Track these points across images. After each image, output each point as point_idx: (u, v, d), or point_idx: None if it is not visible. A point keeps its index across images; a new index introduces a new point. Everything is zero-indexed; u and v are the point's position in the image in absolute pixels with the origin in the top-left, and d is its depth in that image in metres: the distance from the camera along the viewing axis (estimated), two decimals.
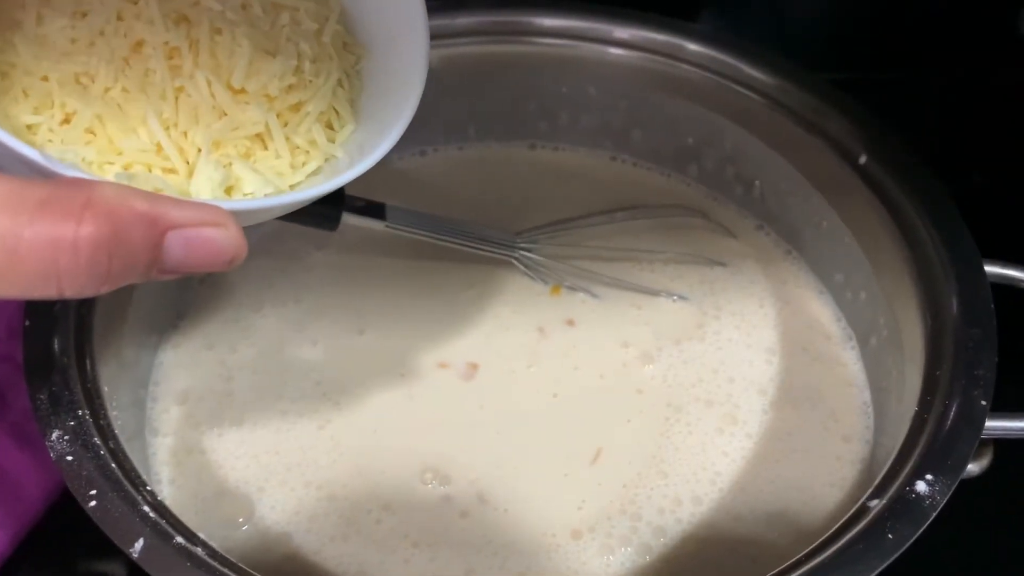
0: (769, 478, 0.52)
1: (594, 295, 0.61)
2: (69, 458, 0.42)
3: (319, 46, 0.46)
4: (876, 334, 0.56)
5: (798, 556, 0.40)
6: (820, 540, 0.41)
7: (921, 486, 0.41)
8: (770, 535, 0.49)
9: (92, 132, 0.37)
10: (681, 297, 0.61)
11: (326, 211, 0.56)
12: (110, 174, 0.35)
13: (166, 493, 0.51)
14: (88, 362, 0.47)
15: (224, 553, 0.40)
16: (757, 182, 0.65)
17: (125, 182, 0.31)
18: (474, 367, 0.57)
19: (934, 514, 0.41)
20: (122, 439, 0.45)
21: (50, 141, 0.35)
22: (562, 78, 0.68)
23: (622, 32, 0.65)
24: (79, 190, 0.28)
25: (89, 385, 0.46)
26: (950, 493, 0.41)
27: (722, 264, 0.63)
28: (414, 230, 0.58)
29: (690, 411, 0.55)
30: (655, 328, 0.59)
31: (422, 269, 0.62)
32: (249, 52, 0.41)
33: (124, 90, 0.38)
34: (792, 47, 0.63)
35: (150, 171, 0.36)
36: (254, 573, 0.40)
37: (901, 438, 0.45)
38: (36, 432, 0.54)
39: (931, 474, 0.42)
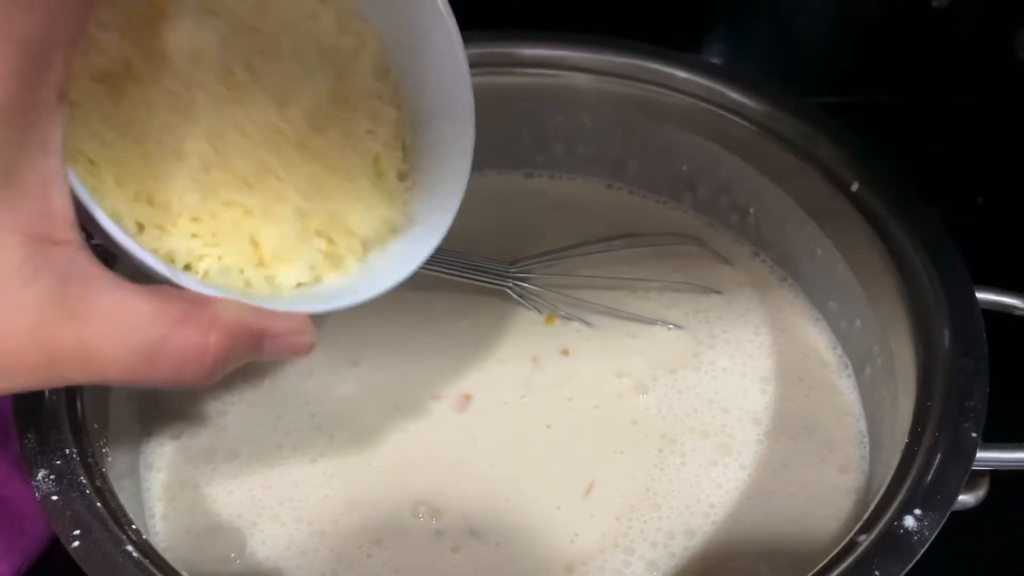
0: (764, 510, 0.51)
1: (589, 324, 0.60)
2: (54, 498, 0.42)
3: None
4: (871, 362, 0.56)
5: None
6: (809, 575, 0.40)
7: (909, 521, 0.41)
8: (763, 569, 0.49)
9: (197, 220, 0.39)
10: (676, 326, 0.60)
11: None
12: (205, 264, 0.39)
13: (159, 528, 0.51)
14: (78, 400, 0.47)
15: None
16: (752, 209, 0.65)
17: (222, 280, 0.38)
18: (468, 398, 0.57)
19: (922, 550, 0.40)
20: (113, 476, 0.45)
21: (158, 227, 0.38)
22: (556, 108, 0.68)
23: (615, 61, 0.65)
24: (205, 308, 0.35)
25: (77, 424, 0.46)
26: (939, 528, 0.41)
27: (718, 292, 0.63)
28: None
29: (684, 442, 0.55)
30: (650, 357, 0.59)
31: (416, 299, 0.62)
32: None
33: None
34: (793, 71, 0.63)
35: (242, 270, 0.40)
36: None
37: (891, 470, 0.44)
38: None
39: (920, 508, 0.41)
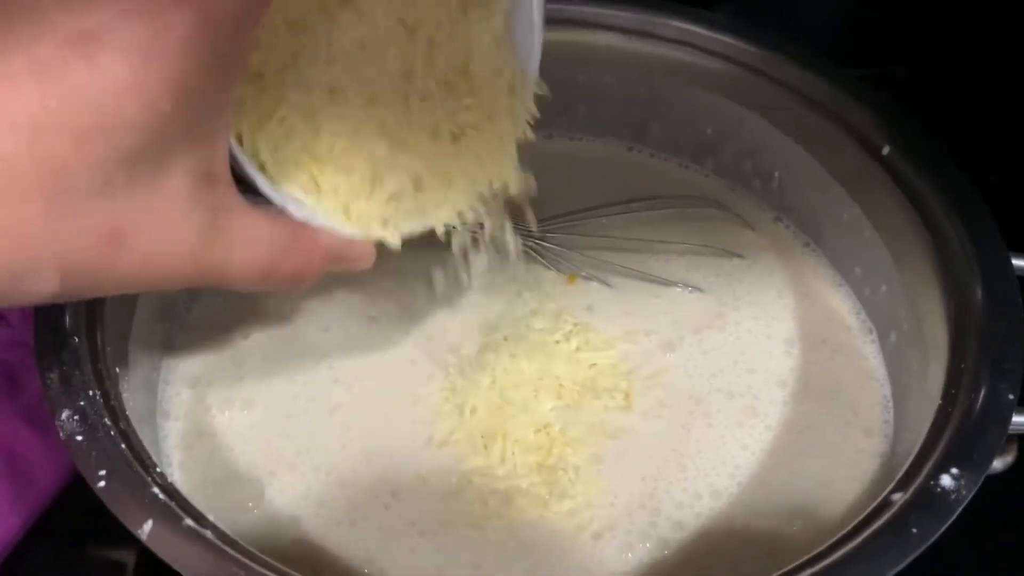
0: (789, 471, 0.51)
1: (609, 285, 0.60)
2: (79, 438, 0.41)
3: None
4: (897, 328, 0.55)
5: (819, 549, 0.39)
6: (841, 534, 0.40)
7: (946, 480, 0.41)
8: (789, 529, 0.49)
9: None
10: (696, 288, 0.60)
11: None
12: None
13: (176, 476, 0.51)
14: (99, 342, 0.46)
15: (228, 532, 0.40)
16: (776, 173, 0.64)
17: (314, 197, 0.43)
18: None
19: (960, 508, 0.40)
20: (133, 421, 0.45)
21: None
22: (579, 67, 0.67)
23: (640, 20, 0.64)
24: (306, 237, 0.42)
25: (100, 365, 0.45)
26: (976, 488, 0.40)
27: (739, 256, 0.62)
28: None
29: (711, 403, 0.54)
30: (675, 318, 0.58)
31: (436, 258, 0.61)
32: None
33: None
34: (805, 42, 0.62)
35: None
36: (262, 556, 0.39)
37: (924, 432, 0.44)
38: (49, 416, 0.55)
39: (956, 468, 0.41)
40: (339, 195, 0.43)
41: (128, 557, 0.54)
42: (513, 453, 0.51)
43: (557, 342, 0.56)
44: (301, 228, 0.42)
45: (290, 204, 0.41)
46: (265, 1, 0.34)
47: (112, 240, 0.33)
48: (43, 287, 0.33)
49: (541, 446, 0.51)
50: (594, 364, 0.55)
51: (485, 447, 0.51)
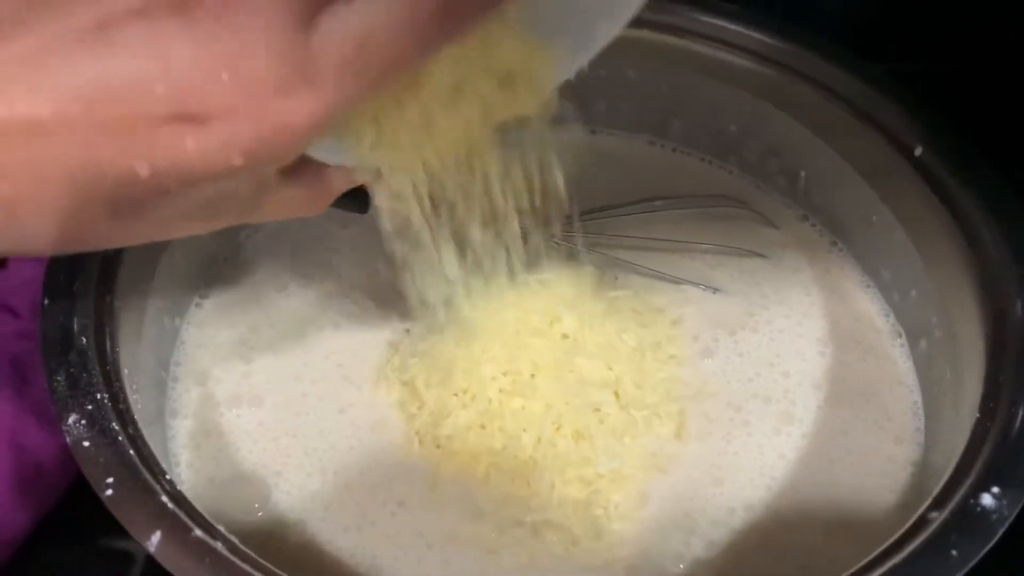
0: (823, 481, 0.50)
1: (631, 286, 0.58)
2: (86, 444, 0.40)
3: None
4: (928, 334, 0.54)
5: (853, 569, 0.38)
6: (877, 552, 0.38)
7: (987, 499, 0.39)
8: (820, 542, 0.47)
9: None
10: (718, 289, 0.58)
11: (356, 193, 0.54)
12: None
13: (184, 477, 0.50)
14: (108, 342, 0.45)
15: (242, 545, 0.39)
16: (802, 172, 0.62)
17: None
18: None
19: (1002, 529, 0.38)
20: (141, 423, 0.43)
21: None
22: (600, 61, 0.65)
23: (665, 14, 0.62)
24: (324, 182, 0.41)
25: (108, 367, 0.44)
26: (1019, 508, 0.39)
27: (762, 256, 0.60)
28: None
29: (750, 410, 0.53)
30: (708, 319, 0.57)
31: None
32: None
33: None
34: (823, 35, 0.61)
35: None
36: (274, 569, 0.38)
37: (961, 446, 0.42)
38: None
39: (998, 487, 0.39)
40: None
41: (138, 549, 0.53)
42: (553, 486, 0.49)
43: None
44: (316, 171, 0.40)
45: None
46: None
47: None
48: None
49: (585, 480, 0.49)
50: (640, 386, 0.53)
51: (527, 480, 0.49)
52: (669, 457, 0.51)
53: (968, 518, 0.39)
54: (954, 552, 0.37)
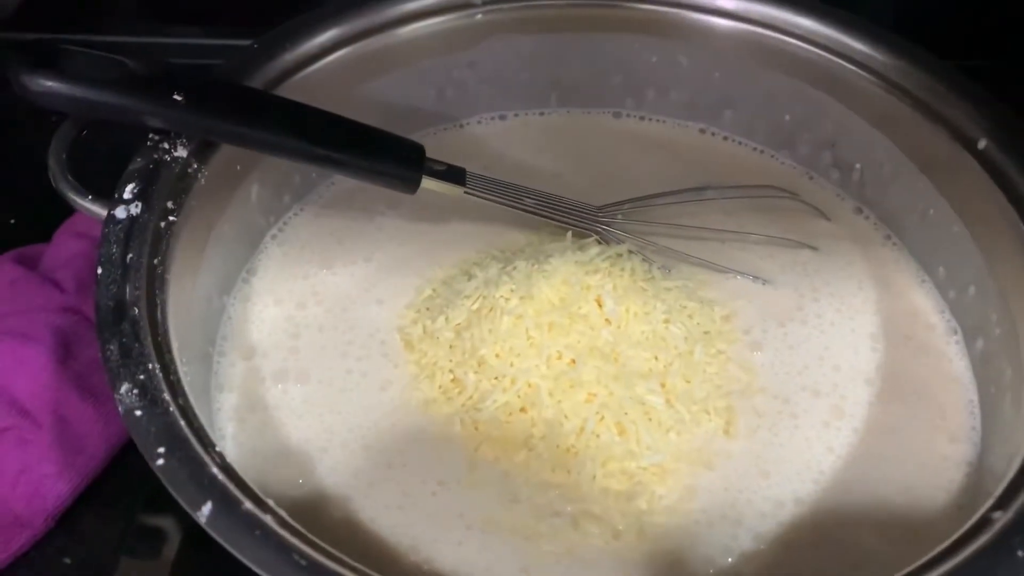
0: (874, 477, 0.49)
1: (682, 275, 0.57)
2: (137, 413, 0.40)
3: None
4: (986, 331, 0.52)
5: (913, 567, 0.37)
6: (938, 551, 0.37)
7: None
8: (874, 541, 0.46)
9: None
10: (767, 281, 0.57)
11: (406, 173, 0.54)
12: None
13: (229, 450, 0.50)
14: (160, 314, 0.45)
15: (289, 518, 0.38)
16: (858, 164, 0.61)
17: None
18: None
19: None
20: (191, 396, 0.43)
21: None
22: (652, 46, 0.64)
23: (725, 1, 0.61)
24: None
25: (160, 338, 0.44)
26: None
27: (813, 248, 0.59)
28: (493, 197, 0.56)
29: (798, 402, 0.52)
30: (758, 309, 0.56)
31: (495, 234, 0.60)
32: None
33: None
34: (891, 28, 0.59)
35: None
36: (322, 544, 0.38)
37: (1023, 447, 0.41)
38: (101, 384, 0.54)
39: None
40: None
41: (172, 527, 0.53)
42: (595, 477, 0.48)
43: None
44: None
45: None
46: None
47: None
48: None
49: (627, 472, 0.49)
50: (689, 380, 0.52)
51: (567, 469, 0.49)
52: (716, 452, 0.50)
53: None
54: (1020, 553, 0.36)
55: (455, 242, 0.60)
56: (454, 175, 0.56)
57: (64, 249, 0.62)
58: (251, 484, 0.40)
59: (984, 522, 0.38)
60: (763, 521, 0.47)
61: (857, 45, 0.58)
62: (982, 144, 0.53)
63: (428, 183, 0.55)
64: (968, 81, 0.55)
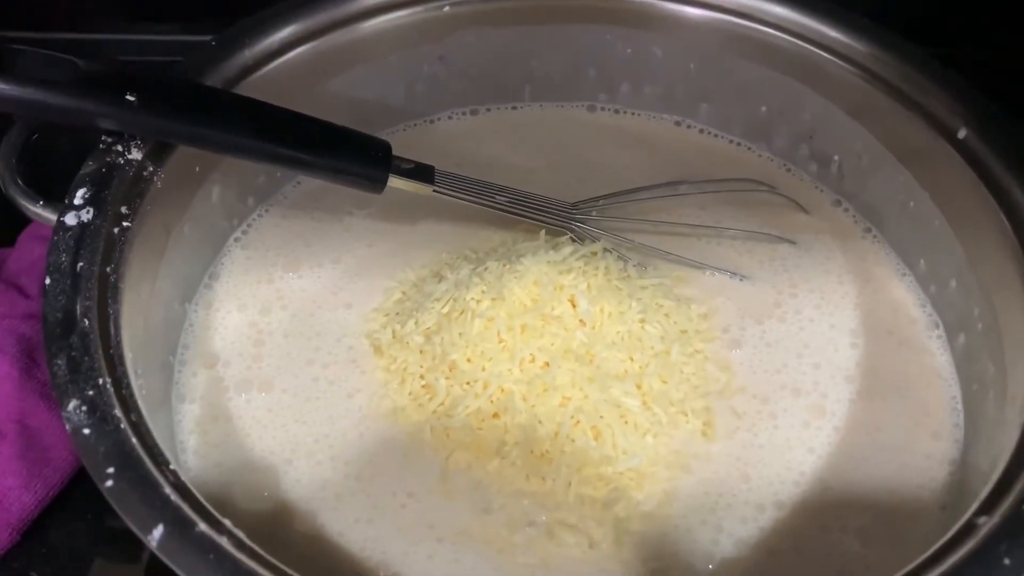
0: (857, 478, 0.48)
1: (658, 272, 0.56)
2: (86, 432, 0.38)
3: None
4: (968, 326, 0.51)
5: (901, 574, 0.36)
6: (922, 559, 0.36)
7: None
8: (856, 544, 0.45)
9: None
10: (745, 277, 0.56)
11: (372, 172, 0.52)
12: None
13: (191, 464, 0.48)
14: (112, 325, 0.43)
15: (248, 539, 0.37)
16: (836, 156, 0.60)
17: None
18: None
19: None
20: (146, 409, 0.41)
21: None
22: (626, 38, 0.63)
23: None
24: None
25: (112, 351, 0.42)
26: None
27: (791, 242, 0.58)
28: (463, 196, 0.55)
29: (777, 401, 0.51)
30: (737, 307, 0.55)
31: (467, 233, 0.58)
32: None
33: None
34: (869, 16, 0.58)
35: None
36: (282, 567, 0.36)
37: (1009, 446, 0.40)
38: None
39: None
40: None
41: None
42: (570, 484, 0.47)
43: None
44: None
45: None
46: None
47: None
48: None
49: (604, 478, 0.47)
50: (666, 381, 0.50)
51: (541, 476, 0.47)
52: (695, 455, 0.49)
53: (1021, 524, 0.36)
54: (1007, 560, 0.35)
55: (426, 243, 0.58)
56: (422, 173, 0.54)
57: (28, 253, 0.60)
58: (211, 501, 0.38)
59: (969, 527, 0.37)
60: (744, 526, 0.46)
61: (833, 33, 0.57)
62: (962, 134, 0.51)
63: (395, 182, 0.53)
64: (947, 70, 0.54)
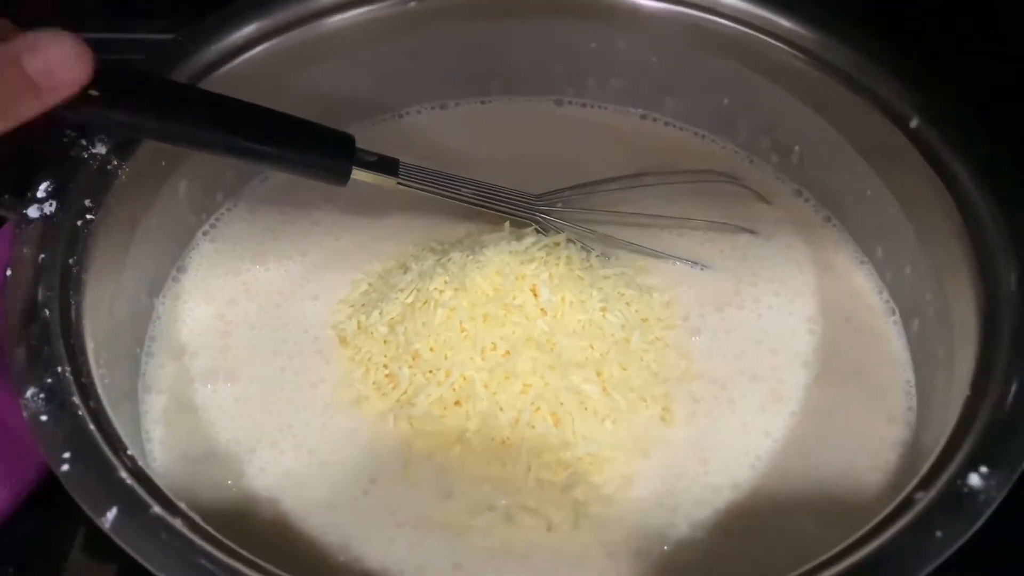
0: (811, 461, 0.49)
1: (620, 262, 0.57)
2: (43, 418, 0.39)
3: None
4: (921, 311, 0.52)
5: (837, 550, 0.37)
6: (859, 534, 0.37)
7: (975, 479, 0.38)
8: (811, 524, 0.46)
9: None
10: (706, 266, 0.57)
11: (335, 165, 0.53)
12: None
13: (157, 454, 0.49)
14: (73, 315, 0.44)
15: (204, 523, 0.37)
16: (796, 146, 0.61)
17: None
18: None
19: (989, 511, 0.37)
20: (108, 399, 0.42)
21: None
22: (591, 32, 0.63)
23: None
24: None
25: (73, 340, 0.42)
26: (1008, 487, 0.37)
27: (752, 232, 0.59)
28: (428, 188, 0.55)
29: (735, 387, 0.52)
30: (696, 296, 0.56)
31: (433, 225, 0.59)
32: None
33: None
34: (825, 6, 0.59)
35: None
36: (233, 547, 0.37)
37: (951, 424, 0.41)
38: None
39: (986, 466, 0.38)
40: None
41: None
42: (529, 469, 0.47)
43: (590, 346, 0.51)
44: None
45: None
46: None
47: None
48: None
49: (563, 463, 0.48)
50: (625, 368, 0.51)
51: (502, 462, 0.48)
52: (653, 440, 0.49)
53: (954, 498, 0.37)
54: (939, 533, 0.36)
55: (393, 235, 0.59)
56: (386, 166, 0.55)
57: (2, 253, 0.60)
58: (176, 490, 0.39)
59: (907, 503, 0.38)
60: (700, 508, 0.47)
61: (784, 23, 0.57)
62: (914, 123, 0.52)
63: (359, 174, 0.54)
64: (898, 59, 0.54)
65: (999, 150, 0.50)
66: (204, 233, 0.58)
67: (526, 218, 0.57)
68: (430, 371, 0.49)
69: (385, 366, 0.51)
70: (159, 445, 0.49)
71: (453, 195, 0.56)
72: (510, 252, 0.52)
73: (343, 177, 0.53)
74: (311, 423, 0.50)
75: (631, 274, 0.56)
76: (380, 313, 0.52)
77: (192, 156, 0.55)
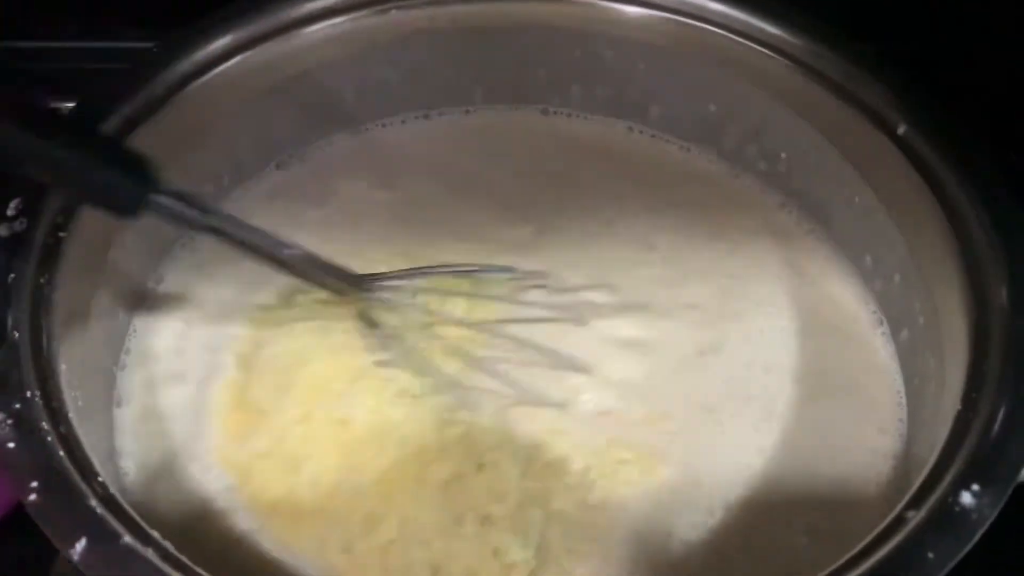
0: (805, 475, 0.48)
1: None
2: (11, 445, 0.38)
3: None
4: (911, 321, 0.51)
5: (828, 571, 0.36)
6: (852, 553, 0.36)
7: (966, 497, 0.37)
8: (805, 542, 0.45)
9: None
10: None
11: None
12: None
13: (128, 467, 0.48)
14: (44, 338, 0.43)
15: (173, 549, 0.36)
16: (783, 155, 0.60)
17: None
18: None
19: (981, 530, 0.36)
20: (80, 419, 0.41)
21: None
22: (576, 41, 0.63)
23: None
24: None
25: (43, 363, 0.42)
26: (1000, 505, 0.37)
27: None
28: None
29: (725, 408, 0.51)
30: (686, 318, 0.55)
31: (421, 237, 0.57)
32: None
33: None
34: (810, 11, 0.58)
35: None
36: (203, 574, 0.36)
37: (941, 440, 0.40)
38: None
39: (978, 484, 0.37)
40: None
41: None
42: (515, 487, 0.47)
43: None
44: None
45: None
46: None
47: None
48: None
49: (552, 484, 0.47)
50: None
51: (485, 473, 0.48)
52: (647, 461, 0.49)
53: (946, 518, 0.37)
54: (931, 555, 0.35)
55: (378, 245, 0.57)
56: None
57: None
58: (140, 506, 0.38)
59: (898, 522, 0.37)
60: (694, 530, 0.46)
61: (770, 29, 0.57)
62: (901, 130, 0.51)
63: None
64: (886, 65, 0.54)
65: (988, 157, 0.49)
66: (183, 245, 0.57)
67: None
68: None
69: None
70: (129, 458, 0.48)
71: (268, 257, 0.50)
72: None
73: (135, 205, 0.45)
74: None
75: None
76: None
77: (169, 168, 0.53)
